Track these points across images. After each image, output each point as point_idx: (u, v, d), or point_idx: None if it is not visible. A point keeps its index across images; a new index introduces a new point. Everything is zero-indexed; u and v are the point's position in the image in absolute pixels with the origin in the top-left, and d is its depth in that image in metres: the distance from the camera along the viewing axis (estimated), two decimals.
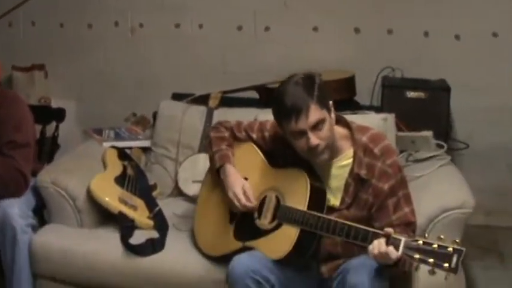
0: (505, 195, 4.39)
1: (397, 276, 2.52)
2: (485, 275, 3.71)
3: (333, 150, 2.58)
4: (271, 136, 2.77)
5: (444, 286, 2.59)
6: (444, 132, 3.84)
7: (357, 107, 3.74)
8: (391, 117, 3.38)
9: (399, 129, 3.52)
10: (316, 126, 2.43)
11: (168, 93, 3.99)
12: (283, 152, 2.70)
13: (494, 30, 4.17)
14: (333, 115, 2.53)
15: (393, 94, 3.94)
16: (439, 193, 2.91)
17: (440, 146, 3.51)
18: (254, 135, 2.82)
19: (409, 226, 2.53)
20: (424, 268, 2.19)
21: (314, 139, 2.43)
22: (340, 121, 2.63)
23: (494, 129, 4.31)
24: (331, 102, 2.52)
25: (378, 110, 3.74)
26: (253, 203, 2.65)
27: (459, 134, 4.12)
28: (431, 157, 3.39)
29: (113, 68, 4.60)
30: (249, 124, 2.88)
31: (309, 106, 2.41)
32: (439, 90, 3.92)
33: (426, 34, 4.23)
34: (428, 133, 3.53)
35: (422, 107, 3.88)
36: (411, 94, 3.90)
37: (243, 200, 2.64)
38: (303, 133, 2.44)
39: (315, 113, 2.42)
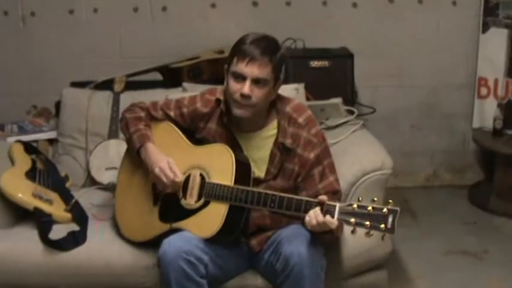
0: (410, 156, 4.56)
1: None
2: (400, 233, 3.77)
3: (259, 122, 2.59)
4: (191, 112, 2.71)
5: (373, 245, 2.70)
6: (350, 98, 3.89)
7: None
8: (301, 87, 3.41)
9: (307, 98, 3.54)
10: (258, 81, 2.45)
11: (66, 83, 3.84)
12: (205, 127, 2.68)
13: None
14: (276, 90, 2.57)
15: (297, 65, 3.94)
16: (357, 157, 2.96)
17: (350, 112, 3.56)
18: (172, 113, 2.75)
19: (335, 194, 2.55)
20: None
21: (248, 89, 2.44)
22: None
23: (397, 92, 4.45)
24: (281, 81, 2.57)
25: (283, 82, 3.73)
26: (180, 177, 2.57)
27: (364, 100, 4.19)
28: (343, 123, 3.44)
29: (6, 60, 4.35)
30: (165, 102, 2.81)
31: (265, 61, 2.44)
32: (342, 58, 3.96)
33: (324, 3, 4.29)
34: (338, 100, 3.58)
35: (327, 76, 3.92)
36: (315, 63, 3.93)
37: (171, 175, 2.55)
38: (243, 78, 2.45)
39: (265, 70, 2.45)
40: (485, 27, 4.38)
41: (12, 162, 3.07)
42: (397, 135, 4.49)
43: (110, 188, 3.21)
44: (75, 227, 2.84)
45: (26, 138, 3.41)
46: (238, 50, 2.48)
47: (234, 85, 2.48)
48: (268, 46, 2.47)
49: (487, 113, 4.47)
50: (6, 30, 4.32)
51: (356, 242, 2.66)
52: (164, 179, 2.56)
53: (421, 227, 4.08)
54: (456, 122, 4.59)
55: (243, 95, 2.45)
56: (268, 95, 2.51)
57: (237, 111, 2.51)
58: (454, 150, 4.64)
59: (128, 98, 3.39)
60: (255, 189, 2.47)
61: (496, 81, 4.44)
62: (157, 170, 2.57)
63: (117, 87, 3.52)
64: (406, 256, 3.63)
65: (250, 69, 2.44)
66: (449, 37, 4.38)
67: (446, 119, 4.57)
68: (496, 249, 3.78)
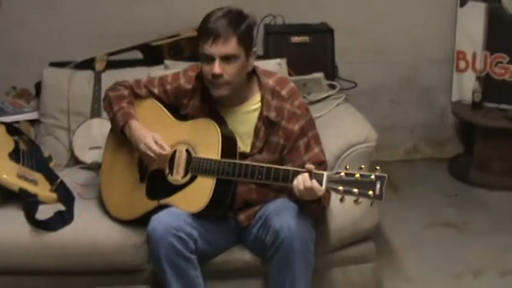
0: (390, 130, 4.58)
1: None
2: (382, 206, 3.84)
3: (241, 96, 2.59)
4: (174, 89, 2.70)
5: (359, 218, 2.73)
6: (331, 73, 3.90)
7: None
8: (283, 62, 3.42)
9: (288, 74, 3.54)
10: (227, 58, 2.43)
11: (45, 63, 3.78)
12: (188, 103, 2.67)
13: None
14: (251, 61, 2.53)
15: (277, 41, 3.97)
16: (342, 130, 2.98)
17: (332, 87, 3.57)
18: (155, 90, 2.74)
19: (321, 165, 2.54)
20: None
21: (218, 68, 2.43)
22: None
23: (377, 67, 4.46)
24: (255, 49, 2.53)
25: (263, 58, 3.73)
26: (167, 149, 2.56)
27: (344, 75, 4.19)
28: (326, 97, 3.45)
29: None
30: (148, 80, 2.80)
31: (228, 36, 2.41)
32: (322, 33, 3.98)
33: None
34: (319, 74, 3.59)
35: (307, 51, 3.93)
36: (295, 39, 3.94)
37: (157, 149, 2.54)
38: (212, 59, 2.43)
39: (231, 46, 2.42)
40: (463, 1, 4.41)
41: None
42: (377, 110, 4.49)
43: (94, 167, 3.20)
44: (61, 207, 2.82)
45: (7, 119, 3.36)
46: (202, 31, 2.47)
47: (206, 67, 2.47)
48: (230, 21, 2.43)
49: (465, 86, 4.50)
50: None
51: (343, 215, 2.69)
52: (150, 153, 2.55)
53: (403, 199, 4.13)
54: (435, 96, 4.63)
55: (214, 75, 2.44)
56: (242, 69, 2.49)
57: (215, 92, 2.50)
58: (433, 123, 4.69)
59: (110, 77, 3.36)
60: (241, 161, 2.47)
61: (474, 55, 4.47)
62: (142, 146, 2.57)
63: (99, 66, 3.50)
64: (389, 229, 3.68)
65: (216, 48, 2.42)
66: (428, 11, 4.41)
67: (425, 93, 4.61)
68: (476, 220, 3.85)
